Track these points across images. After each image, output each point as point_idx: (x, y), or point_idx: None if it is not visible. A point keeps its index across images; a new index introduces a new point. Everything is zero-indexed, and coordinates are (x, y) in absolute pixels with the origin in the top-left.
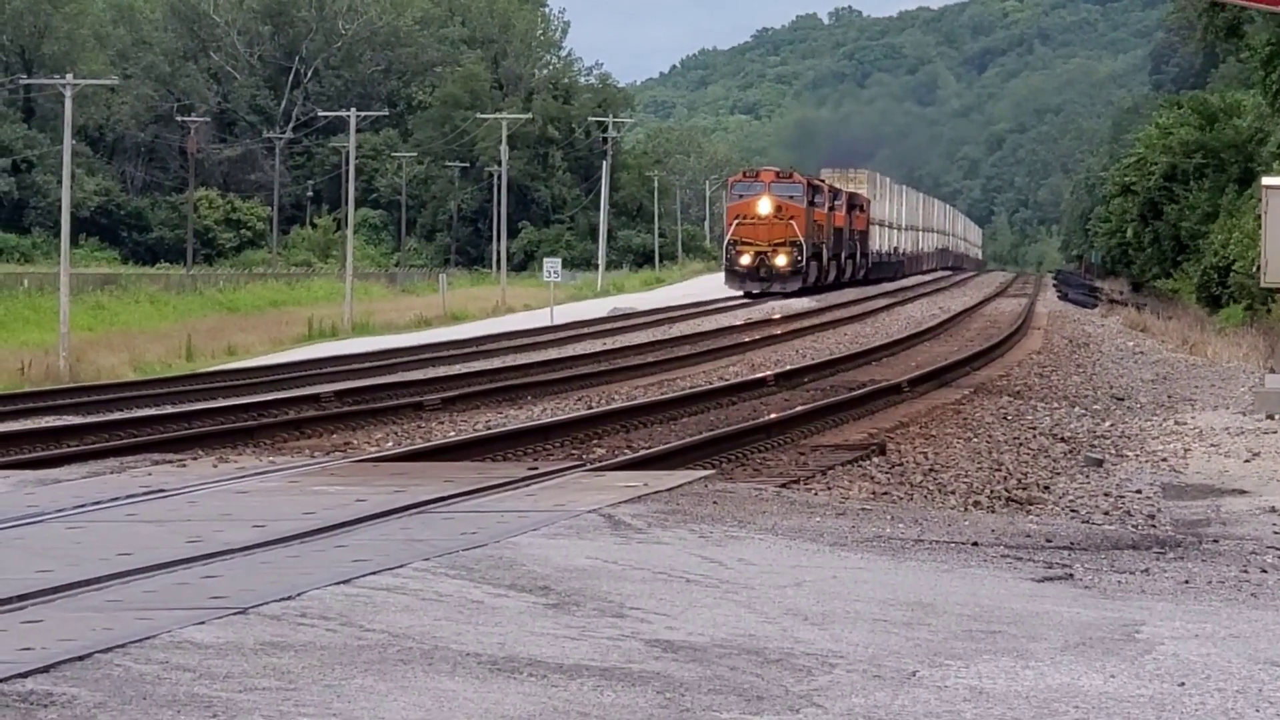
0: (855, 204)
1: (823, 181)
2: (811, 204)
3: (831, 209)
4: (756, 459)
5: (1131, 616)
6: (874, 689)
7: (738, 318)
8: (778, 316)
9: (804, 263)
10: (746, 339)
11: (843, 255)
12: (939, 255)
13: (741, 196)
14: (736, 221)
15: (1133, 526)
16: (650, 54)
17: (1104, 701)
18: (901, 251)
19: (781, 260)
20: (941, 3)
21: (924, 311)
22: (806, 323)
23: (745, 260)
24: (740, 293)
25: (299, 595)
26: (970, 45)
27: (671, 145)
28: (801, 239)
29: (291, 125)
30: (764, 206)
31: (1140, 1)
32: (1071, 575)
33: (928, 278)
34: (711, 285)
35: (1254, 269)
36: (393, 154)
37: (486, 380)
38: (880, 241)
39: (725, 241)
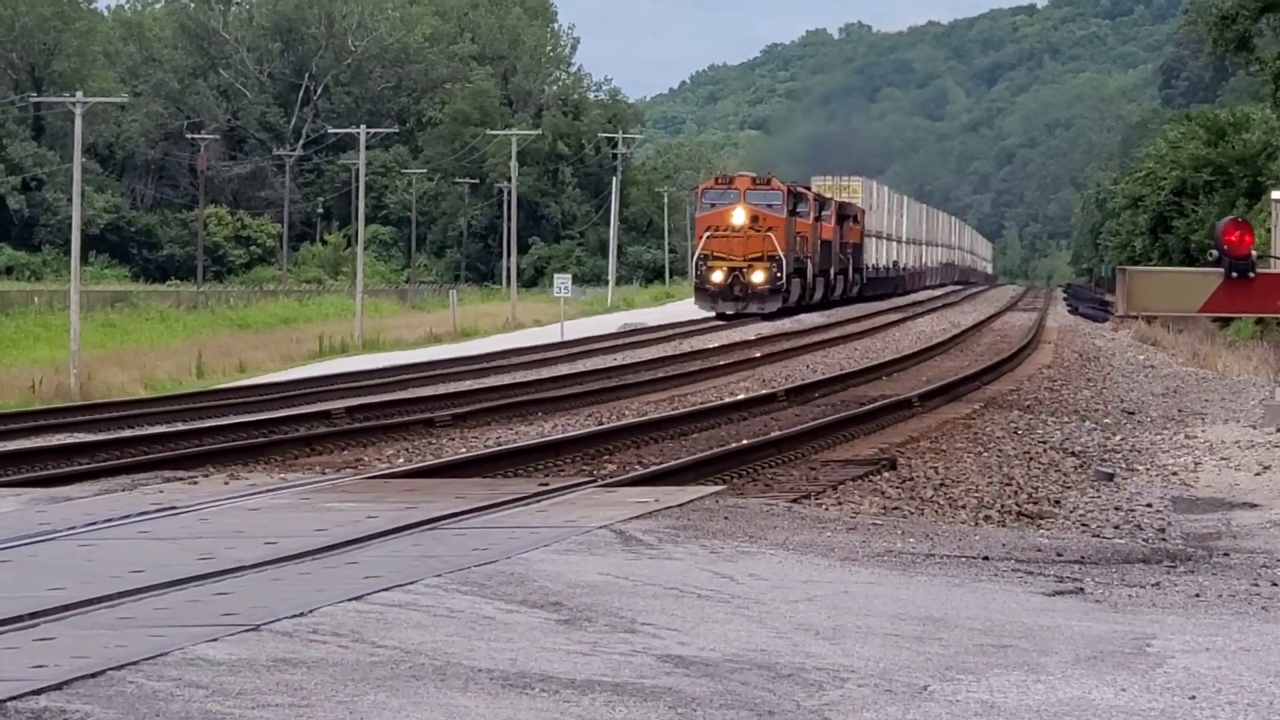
0: (847, 214)
1: (807, 189)
2: (793, 214)
3: (818, 219)
4: (767, 474)
5: (1142, 630)
6: (885, 703)
7: (748, 333)
8: (787, 331)
9: (784, 280)
10: (756, 354)
11: (832, 271)
12: (944, 270)
13: (713, 206)
14: (708, 234)
15: (1143, 540)
16: (660, 70)
17: (1115, 715)
18: (902, 266)
19: (758, 277)
20: (951, 17)
21: (934, 326)
22: (816, 338)
23: (717, 277)
24: (712, 314)
25: (311, 612)
26: (980, 60)
27: (681, 161)
28: (781, 253)
29: (301, 142)
30: (738, 217)
31: (1150, 16)
32: (1082, 589)
33: (937, 292)
34: None
35: None
36: (403, 170)
37: (497, 396)
38: (877, 255)
39: (695, 256)
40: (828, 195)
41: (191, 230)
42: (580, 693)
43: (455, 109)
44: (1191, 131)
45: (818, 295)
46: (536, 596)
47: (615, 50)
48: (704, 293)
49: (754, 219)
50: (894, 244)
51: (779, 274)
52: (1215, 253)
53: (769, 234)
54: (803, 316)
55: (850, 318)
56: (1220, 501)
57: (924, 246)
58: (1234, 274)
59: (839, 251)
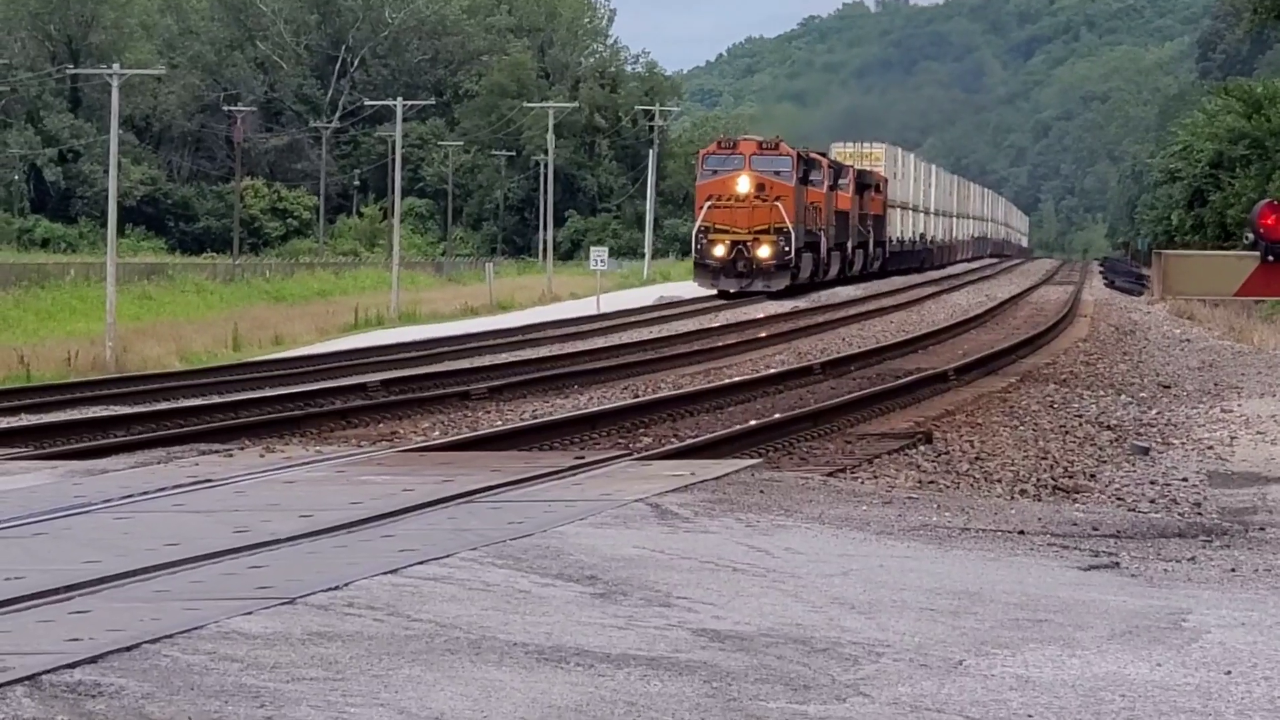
0: (867, 183)
1: (821, 156)
2: (804, 182)
3: (833, 188)
4: (803, 448)
5: (1178, 605)
6: (921, 678)
7: (784, 306)
8: (823, 305)
9: (793, 254)
10: (793, 327)
11: (849, 244)
12: (976, 243)
13: (715, 173)
14: (709, 204)
15: (1179, 514)
16: (696, 42)
17: (1150, 690)
18: (930, 239)
19: (764, 251)
20: None
21: (969, 300)
22: (852, 311)
23: (719, 252)
24: (714, 292)
25: (346, 585)
26: (1017, 33)
27: (718, 133)
28: (790, 225)
29: (338, 114)
30: (743, 185)
31: None
32: (1118, 564)
33: (971, 265)
34: None
35: None
36: (439, 143)
37: (533, 369)
38: (901, 227)
39: (695, 229)
40: (847, 163)
41: (228, 203)
42: (615, 666)
43: (492, 81)
44: (1228, 105)
45: (833, 271)
46: (572, 570)
47: (651, 23)
48: (704, 269)
49: (760, 187)
50: (921, 215)
51: (787, 248)
52: (1251, 235)
53: (776, 204)
54: (838, 289)
55: (885, 291)
56: (1256, 476)
57: (954, 219)
58: (1270, 257)
59: (858, 223)
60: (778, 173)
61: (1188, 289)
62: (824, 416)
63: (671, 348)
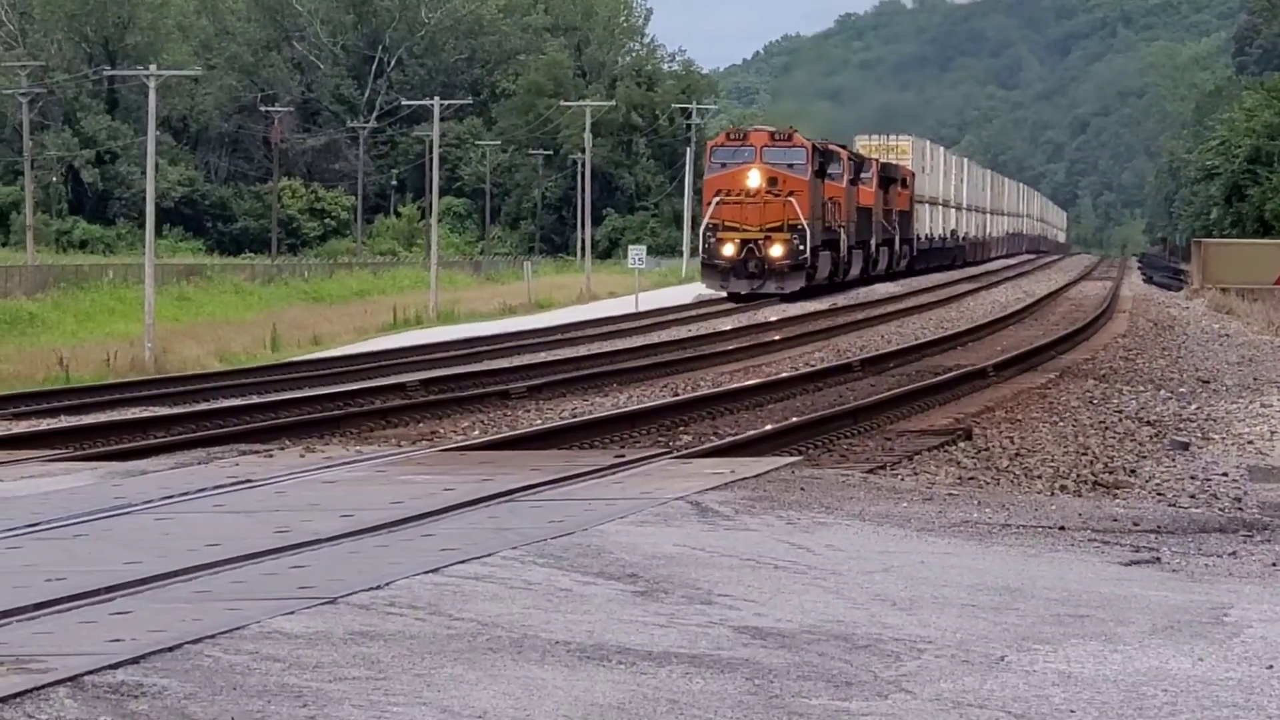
0: (891, 177)
1: (843, 148)
2: (821, 175)
3: (854, 182)
4: (843, 445)
5: (1219, 599)
6: (962, 674)
7: (822, 303)
8: (861, 302)
9: (808, 253)
10: (830, 324)
11: (872, 242)
12: (1011, 239)
13: (724, 166)
14: (717, 199)
15: (1219, 509)
16: (733, 40)
17: (1192, 684)
18: (961, 235)
19: (777, 251)
20: None
21: (1007, 296)
22: (890, 308)
23: (728, 251)
24: (723, 294)
25: (387, 585)
26: (1053, 29)
27: None
28: (804, 222)
29: (375, 114)
30: (753, 179)
31: None
32: (1159, 559)
33: (1010, 261)
34: None
35: None
36: (476, 142)
37: (572, 368)
38: (930, 223)
39: (703, 226)
40: (870, 156)
41: (265, 203)
42: (657, 664)
43: (529, 80)
44: (1266, 99)
45: (854, 270)
46: (613, 568)
47: (687, 21)
48: (713, 269)
49: (771, 181)
50: (951, 211)
51: (801, 246)
52: None
53: (790, 199)
54: (875, 287)
55: (923, 288)
56: None
57: (988, 214)
58: None
59: (882, 219)
60: (791, 165)
61: (1228, 278)
62: (863, 414)
63: (710, 346)
